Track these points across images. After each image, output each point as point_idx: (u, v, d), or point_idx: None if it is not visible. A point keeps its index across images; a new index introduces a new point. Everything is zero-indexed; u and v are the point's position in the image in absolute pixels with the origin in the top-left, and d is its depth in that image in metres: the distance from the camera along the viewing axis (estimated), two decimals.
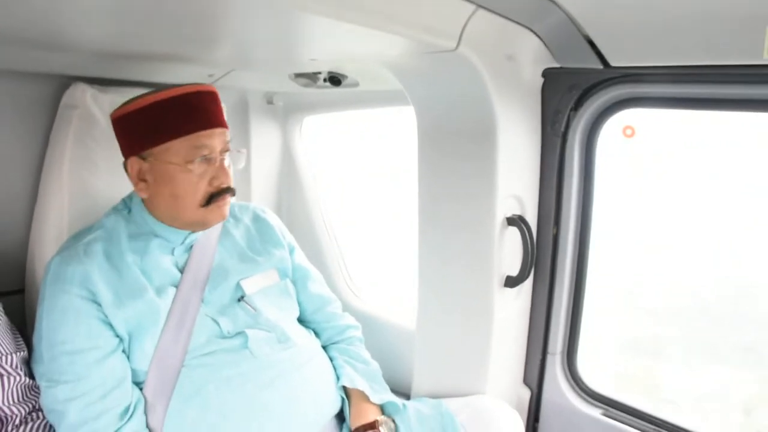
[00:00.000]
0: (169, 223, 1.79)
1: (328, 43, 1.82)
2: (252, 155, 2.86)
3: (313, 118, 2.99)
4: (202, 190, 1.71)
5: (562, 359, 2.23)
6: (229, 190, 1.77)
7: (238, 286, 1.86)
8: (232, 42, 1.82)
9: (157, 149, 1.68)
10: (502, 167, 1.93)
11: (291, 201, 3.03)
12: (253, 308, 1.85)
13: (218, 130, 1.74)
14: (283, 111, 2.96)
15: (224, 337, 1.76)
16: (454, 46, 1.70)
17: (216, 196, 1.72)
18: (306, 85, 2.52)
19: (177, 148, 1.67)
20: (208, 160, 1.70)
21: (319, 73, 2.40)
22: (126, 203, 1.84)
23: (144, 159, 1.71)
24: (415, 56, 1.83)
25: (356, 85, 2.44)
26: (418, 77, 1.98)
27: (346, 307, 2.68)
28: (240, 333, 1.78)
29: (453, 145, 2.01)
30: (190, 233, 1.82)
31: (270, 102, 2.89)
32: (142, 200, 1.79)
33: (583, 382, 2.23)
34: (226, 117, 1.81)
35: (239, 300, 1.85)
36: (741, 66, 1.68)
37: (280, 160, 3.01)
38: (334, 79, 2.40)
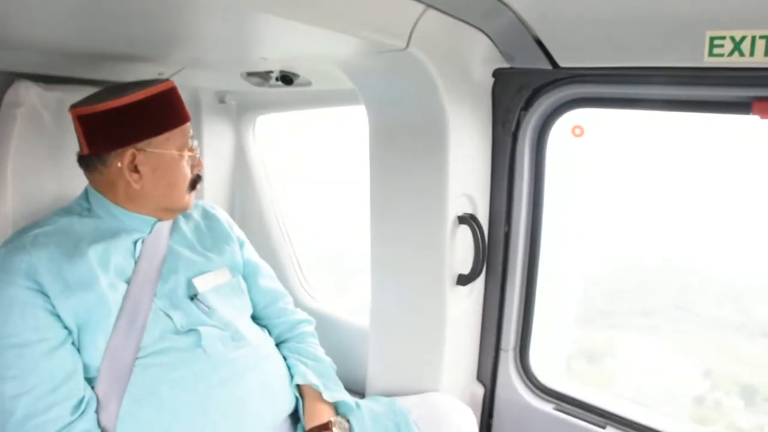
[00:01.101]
0: (143, 212, 1.83)
1: (279, 42, 1.85)
2: (204, 155, 2.86)
3: (267, 117, 3.01)
4: (189, 176, 1.83)
5: (514, 356, 2.29)
6: (200, 177, 1.92)
7: (190, 283, 1.87)
8: (182, 41, 1.83)
9: (158, 139, 1.75)
10: (453, 166, 1.99)
11: (244, 202, 3.04)
12: (207, 306, 1.85)
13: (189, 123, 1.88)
14: (236, 110, 2.97)
15: (178, 333, 1.76)
16: (404, 46, 1.75)
17: (196, 182, 1.87)
18: (258, 84, 2.55)
19: (175, 137, 1.78)
20: (192, 149, 1.83)
21: (271, 72, 2.43)
22: (82, 203, 1.83)
23: (140, 150, 1.74)
24: (366, 56, 1.87)
25: (308, 84, 2.47)
26: (369, 77, 2.02)
27: (301, 307, 2.68)
28: (193, 330, 1.77)
29: (404, 144, 2.05)
30: (156, 221, 1.86)
31: (222, 101, 2.90)
32: (104, 192, 1.81)
33: (535, 378, 2.29)
34: None
35: (192, 298, 1.85)
36: (683, 68, 1.75)
37: (233, 160, 3.02)
38: (286, 78, 2.43)
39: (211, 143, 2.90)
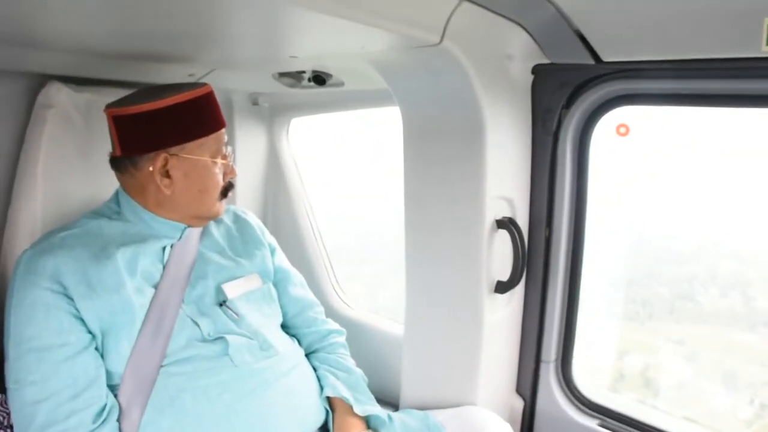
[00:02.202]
0: (173, 218, 1.82)
1: (309, 38, 1.82)
2: (237, 158, 2.87)
3: (301, 119, 3.01)
4: (221, 184, 1.82)
5: (556, 367, 2.22)
6: (233, 184, 1.90)
7: (220, 289, 1.85)
8: (211, 38, 1.82)
9: (191, 144, 1.75)
10: (490, 168, 1.93)
11: (277, 205, 3.03)
12: (235, 313, 1.83)
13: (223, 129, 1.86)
14: (269, 112, 2.96)
15: (204, 341, 1.74)
16: (438, 41, 1.71)
17: (228, 190, 1.86)
18: (291, 86, 2.53)
19: (209, 143, 1.78)
20: (225, 156, 1.82)
21: (304, 72, 2.41)
22: (111, 206, 1.83)
23: (172, 155, 1.74)
24: (398, 52, 1.83)
25: (341, 84, 2.45)
26: (402, 74, 1.98)
27: (334, 315, 2.68)
28: (220, 338, 1.75)
29: (439, 145, 2.00)
30: (186, 227, 1.84)
31: (255, 103, 2.90)
32: (134, 196, 1.81)
33: (579, 392, 2.22)
34: None
35: (221, 305, 1.83)
36: (738, 59, 1.67)
37: (266, 163, 3.01)
38: (319, 79, 2.41)
39: (244, 146, 2.89)
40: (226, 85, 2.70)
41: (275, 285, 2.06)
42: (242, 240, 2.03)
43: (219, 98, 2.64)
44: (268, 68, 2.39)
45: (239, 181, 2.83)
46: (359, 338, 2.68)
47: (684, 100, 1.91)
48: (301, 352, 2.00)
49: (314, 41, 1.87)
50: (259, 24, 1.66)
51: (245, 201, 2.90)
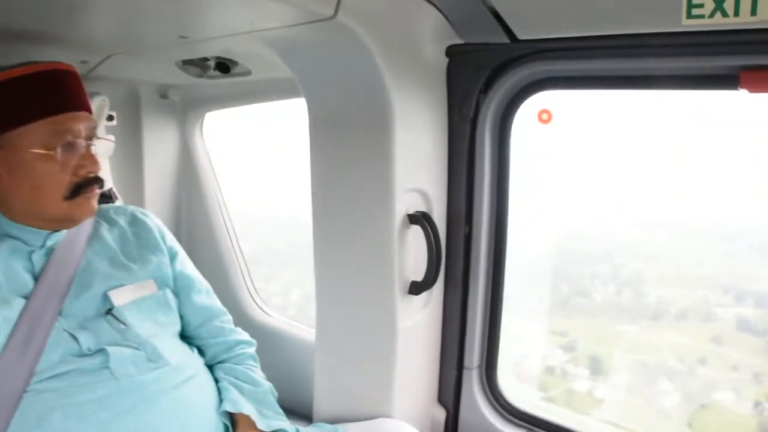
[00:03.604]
0: (26, 222, 1.60)
1: (195, 14, 1.69)
2: (145, 156, 2.70)
3: (216, 113, 2.86)
4: (66, 180, 1.57)
5: (480, 374, 2.09)
6: (97, 181, 1.62)
7: (106, 296, 1.68)
8: (81, 11, 1.66)
9: (13, 134, 1.52)
10: (400, 158, 1.79)
11: (191, 208, 2.85)
12: (122, 322, 1.67)
13: (82, 114, 1.60)
14: (181, 106, 2.80)
15: (83, 355, 1.58)
16: (332, 13, 1.56)
17: (83, 187, 1.60)
18: (197, 75, 2.37)
19: (37, 132, 1.53)
20: (71, 146, 1.57)
21: (208, 60, 2.27)
22: None
23: None
24: (293, 29, 1.67)
25: (248, 73, 2.30)
26: (303, 56, 1.84)
27: (250, 322, 2.56)
28: (101, 350, 1.59)
29: (346, 135, 1.86)
30: (50, 234, 1.64)
31: (164, 96, 2.73)
32: None
33: (504, 400, 2.09)
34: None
35: (107, 313, 1.68)
36: (660, 34, 1.56)
37: (178, 161, 2.85)
38: (223, 67, 2.27)
39: (154, 143, 2.73)
40: (131, 75, 2.54)
41: (177, 293, 1.91)
42: (137, 244, 1.87)
43: (123, 91, 2.52)
44: (167, 54, 2.22)
45: (148, 179, 2.69)
46: (276, 347, 2.55)
47: (607, 83, 1.81)
48: (200, 363, 1.86)
49: (202, 19, 1.72)
50: None
51: (155, 203, 2.73)
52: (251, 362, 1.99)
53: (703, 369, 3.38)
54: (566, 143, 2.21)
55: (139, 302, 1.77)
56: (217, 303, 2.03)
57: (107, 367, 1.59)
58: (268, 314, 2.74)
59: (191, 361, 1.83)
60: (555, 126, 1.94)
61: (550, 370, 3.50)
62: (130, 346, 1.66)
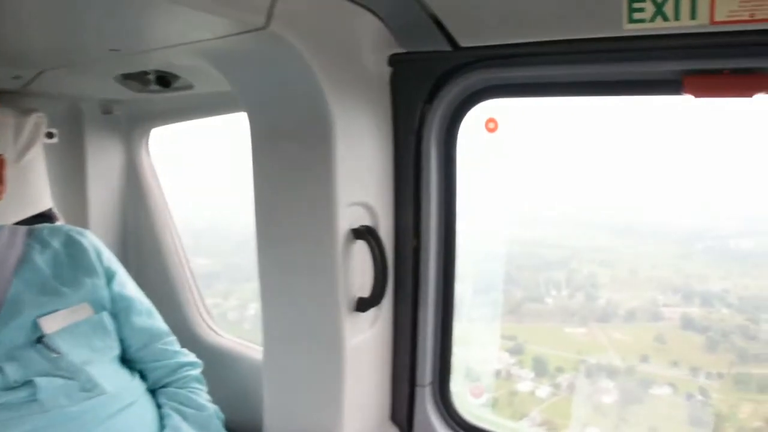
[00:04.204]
0: None
1: (125, 27, 1.56)
2: (88, 174, 2.56)
3: (162, 128, 2.72)
4: None
5: (433, 391, 1.99)
6: None
7: (36, 324, 1.57)
8: (11, 26, 1.54)
9: None
10: (343, 171, 1.69)
11: (138, 225, 2.72)
12: (53, 351, 1.57)
13: None
14: (126, 122, 2.67)
15: (9, 388, 1.48)
16: (264, 23, 1.46)
17: None
18: (138, 90, 2.26)
19: None
20: None
21: (148, 73, 2.15)
22: None
23: None
24: (227, 41, 1.57)
25: (190, 87, 2.19)
26: (241, 69, 1.73)
27: (199, 342, 2.43)
28: (28, 382, 1.49)
29: (288, 148, 1.76)
30: None
31: (108, 111, 2.60)
32: None
33: (459, 416, 1.99)
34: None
35: (37, 342, 1.56)
36: (603, 41, 1.50)
37: (124, 179, 2.71)
38: (164, 80, 2.15)
39: (97, 160, 2.59)
40: (70, 90, 2.41)
41: (115, 315, 1.80)
42: (71, 266, 1.76)
43: (64, 106, 2.37)
44: (105, 68, 2.10)
45: (92, 197, 2.55)
46: (225, 367, 2.42)
47: (551, 90, 1.74)
48: (141, 389, 1.77)
49: (128, 29, 1.59)
50: (61, 8, 1.39)
51: (99, 222, 2.60)
52: (196, 385, 1.90)
53: (645, 366, 3.50)
54: (515, 151, 2.11)
55: (73, 328, 1.66)
56: (159, 324, 1.93)
57: (35, 400, 1.49)
58: (217, 334, 2.60)
59: (130, 387, 1.74)
60: (503, 134, 1.84)
61: (496, 373, 3.55)
62: (62, 376, 1.56)
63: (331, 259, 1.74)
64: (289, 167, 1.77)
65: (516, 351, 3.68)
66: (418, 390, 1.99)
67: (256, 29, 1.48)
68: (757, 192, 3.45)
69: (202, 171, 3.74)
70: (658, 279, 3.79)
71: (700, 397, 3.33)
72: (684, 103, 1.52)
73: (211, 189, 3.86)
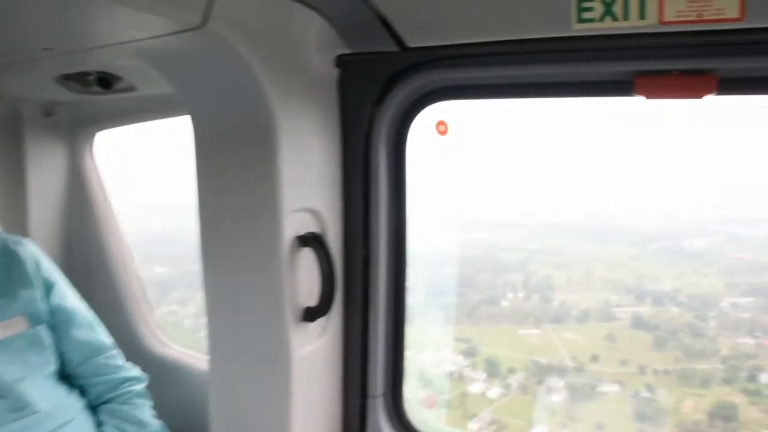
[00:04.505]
0: None
1: (56, 25, 1.46)
2: (29, 179, 2.42)
3: (108, 131, 2.59)
4: None
5: (385, 402, 1.92)
6: None
7: None
8: None
9: None
10: (287, 176, 1.61)
11: (83, 233, 2.58)
12: None
13: None
14: (69, 125, 2.53)
15: None
16: (201, 22, 1.36)
17: None
18: (79, 92, 2.14)
19: None
20: None
21: (89, 74, 2.03)
22: None
23: None
24: (164, 40, 1.47)
25: (133, 89, 2.08)
26: (180, 69, 1.64)
27: (148, 355, 2.34)
28: None
29: (231, 152, 1.67)
30: None
31: (49, 114, 2.46)
32: None
33: (412, 427, 1.93)
34: None
35: None
36: (552, 40, 1.45)
37: (68, 185, 2.57)
38: (105, 81, 2.03)
39: (38, 165, 2.46)
40: (8, 92, 2.28)
41: (54, 328, 1.72)
42: (6, 277, 1.68)
43: (2, 109, 2.22)
44: (42, 69, 1.98)
45: (32, 204, 2.40)
46: (175, 379, 2.31)
47: (501, 91, 1.68)
48: (78, 407, 1.68)
49: (60, 28, 1.49)
50: None
51: (41, 230, 2.47)
52: (139, 400, 1.82)
53: (594, 365, 3.60)
54: (467, 154, 2.04)
55: (6, 343, 1.58)
56: (101, 337, 1.83)
57: None
58: (166, 345, 2.48)
59: (66, 404, 1.65)
60: (455, 137, 1.76)
61: (449, 376, 3.57)
62: None
63: (276, 267, 1.65)
64: (232, 172, 1.68)
65: (469, 353, 3.73)
66: (370, 401, 1.91)
67: (193, 28, 1.39)
68: (709, 193, 3.59)
69: (161, 176, 3.67)
70: (612, 280, 3.84)
71: (646, 394, 3.41)
72: (637, 104, 1.47)
73: (171, 195, 3.75)
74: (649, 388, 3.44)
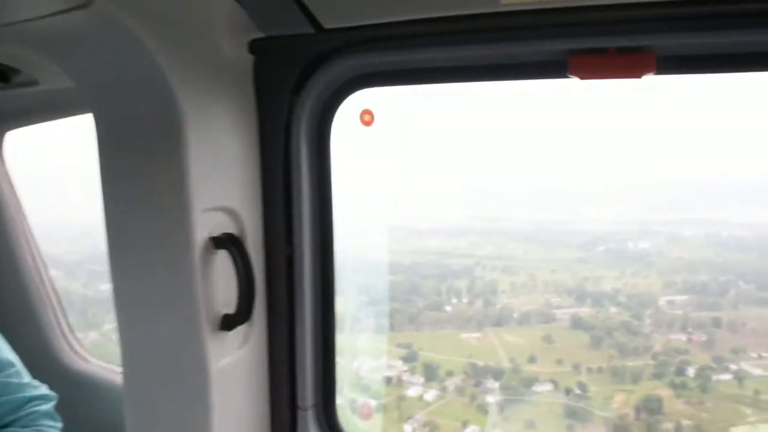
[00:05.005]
0: None
1: None
2: None
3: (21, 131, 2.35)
4: None
5: (316, 413, 1.76)
6: None
7: None
8: None
9: None
10: (197, 173, 1.43)
11: None
12: None
13: None
14: None
15: None
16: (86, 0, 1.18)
17: None
18: None
19: None
20: None
21: None
22: None
23: None
24: (50, 21, 1.27)
25: (35, 83, 1.87)
26: (73, 56, 1.44)
27: (62, 370, 2.16)
28: None
29: (135, 147, 1.48)
30: None
31: None
32: None
33: None
34: None
35: None
36: (479, 17, 1.31)
37: None
38: (2, 74, 1.81)
39: None
40: None
41: None
42: None
43: None
44: None
45: None
46: (93, 395, 2.08)
47: (431, 75, 1.55)
48: None
49: None
50: None
51: None
52: (46, 422, 1.66)
53: (531, 366, 3.66)
54: (401, 149, 1.90)
55: None
56: (3, 354, 1.59)
57: None
58: (82, 358, 2.24)
59: None
60: (383, 127, 1.61)
61: (387, 381, 3.62)
62: None
63: (187, 272, 1.46)
64: (139, 169, 1.49)
65: (409, 358, 3.75)
66: (300, 414, 1.74)
67: (78, 6, 1.20)
68: (654, 194, 3.69)
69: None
70: (555, 282, 3.90)
71: (577, 391, 3.50)
72: (573, 89, 1.34)
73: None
74: (581, 386, 3.51)
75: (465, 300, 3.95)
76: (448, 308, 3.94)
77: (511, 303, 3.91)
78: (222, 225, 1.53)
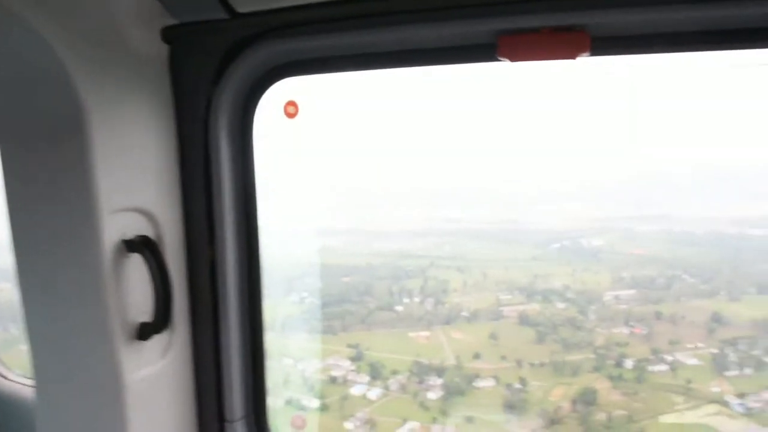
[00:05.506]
0: None
1: None
2: None
3: None
4: None
5: (247, 426, 1.61)
6: None
7: None
8: None
9: None
10: (104, 171, 1.28)
11: None
12: None
13: None
14: None
15: None
16: None
17: None
18: None
19: None
20: None
21: None
22: None
23: None
24: None
25: None
26: None
27: None
28: None
29: (38, 145, 1.33)
30: None
31: None
32: None
33: None
34: None
35: None
36: None
37: None
38: None
39: None
40: None
41: None
42: None
43: None
44: None
45: None
46: (18, 415, 1.89)
47: (357, 62, 1.44)
48: None
49: None
50: None
51: None
52: None
53: (475, 362, 3.71)
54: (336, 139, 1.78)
55: None
56: None
57: None
58: (10, 380, 2.03)
59: None
60: (308, 119, 1.47)
61: (332, 380, 3.65)
62: None
63: (96, 277, 1.31)
64: (42, 167, 1.34)
65: (356, 358, 3.76)
66: (228, 427, 1.61)
67: None
68: (611, 191, 3.73)
69: None
70: (507, 281, 3.95)
71: (518, 386, 3.57)
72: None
73: None
74: (522, 380, 3.59)
75: (416, 299, 3.97)
76: (399, 308, 3.96)
77: (461, 302, 3.94)
78: (137, 227, 1.38)
